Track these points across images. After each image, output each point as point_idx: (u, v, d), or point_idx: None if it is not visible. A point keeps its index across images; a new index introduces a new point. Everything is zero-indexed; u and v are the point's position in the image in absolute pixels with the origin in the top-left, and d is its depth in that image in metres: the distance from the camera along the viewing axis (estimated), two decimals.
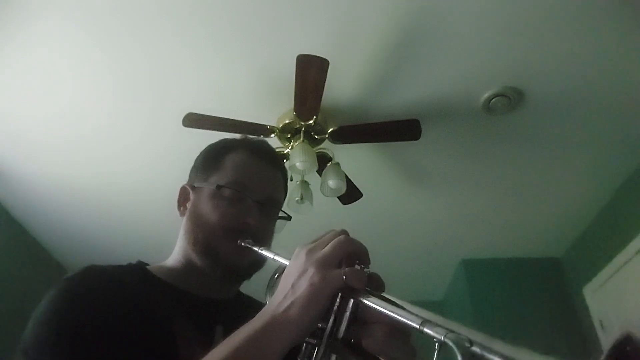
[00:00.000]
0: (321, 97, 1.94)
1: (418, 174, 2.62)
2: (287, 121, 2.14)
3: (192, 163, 0.89)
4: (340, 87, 2.09)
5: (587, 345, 2.82)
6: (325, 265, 0.52)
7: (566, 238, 3.14)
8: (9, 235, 2.99)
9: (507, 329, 2.78)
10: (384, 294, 0.51)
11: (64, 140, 2.40)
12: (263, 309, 0.54)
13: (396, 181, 2.66)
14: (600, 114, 2.20)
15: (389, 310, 0.46)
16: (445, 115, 2.22)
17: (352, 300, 0.51)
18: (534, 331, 2.89)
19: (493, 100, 2.11)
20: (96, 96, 2.16)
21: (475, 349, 0.35)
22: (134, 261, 0.81)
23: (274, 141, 2.14)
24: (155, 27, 1.87)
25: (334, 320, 0.51)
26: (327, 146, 2.25)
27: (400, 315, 0.45)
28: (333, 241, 0.54)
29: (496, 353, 0.34)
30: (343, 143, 2.22)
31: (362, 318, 0.52)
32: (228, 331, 0.54)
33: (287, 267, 0.57)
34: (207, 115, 2.05)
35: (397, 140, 2.25)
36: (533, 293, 3.18)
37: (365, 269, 0.54)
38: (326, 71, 1.83)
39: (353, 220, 2.73)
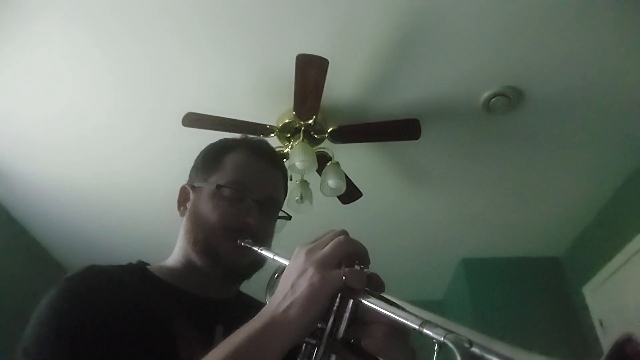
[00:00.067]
0: (321, 97, 1.94)
1: (418, 173, 2.62)
2: (286, 121, 2.14)
3: (192, 163, 0.89)
4: (340, 87, 2.09)
5: (586, 345, 2.82)
6: (325, 265, 0.52)
7: (566, 237, 3.14)
8: (9, 235, 2.99)
9: (506, 328, 2.78)
10: (383, 294, 0.51)
11: (64, 140, 2.40)
12: (263, 309, 0.54)
13: (396, 181, 2.66)
14: (600, 114, 2.20)
15: (389, 311, 0.46)
16: (445, 115, 2.22)
17: (351, 301, 0.51)
18: (533, 330, 2.90)
19: (493, 100, 2.11)
20: (96, 96, 2.16)
21: (474, 349, 0.35)
22: (134, 261, 0.81)
23: (273, 141, 2.14)
24: (155, 27, 1.87)
25: (334, 320, 0.51)
26: (326, 146, 2.25)
27: (400, 316, 0.45)
28: (333, 241, 0.54)
29: (495, 354, 0.34)
30: (343, 143, 2.22)
31: (362, 318, 0.52)
32: (228, 331, 0.54)
33: (287, 267, 0.57)
34: (207, 115, 2.05)
35: (396, 140, 2.25)
36: (533, 292, 3.18)
37: (365, 269, 0.54)
38: (326, 71, 1.83)
39: (353, 219, 2.73)
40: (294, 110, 2.03)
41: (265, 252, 0.72)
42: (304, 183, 2.24)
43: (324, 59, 1.80)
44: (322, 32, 1.87)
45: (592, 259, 2.86)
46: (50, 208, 2.91)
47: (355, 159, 2.45)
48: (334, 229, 0.58)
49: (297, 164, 2.00)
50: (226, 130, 1.99)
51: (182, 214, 0.84)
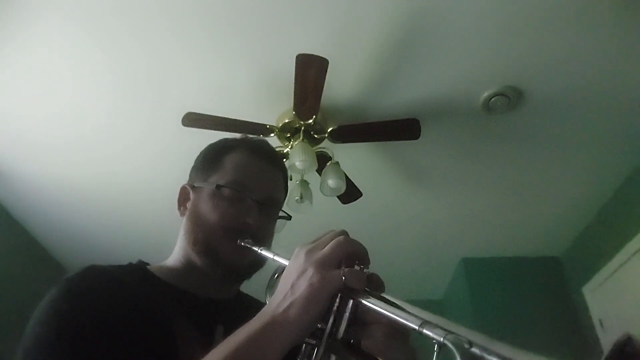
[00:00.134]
0: (321, 97, 1.94)
1: (418, 173, 2.62)
2: (286, 120, 2.14)
3: (192, 163, 0.89)
4: (340, 87, 2.09)
5: (586, 345, 2.82)
6: (325, 265, 0.52)
7: (566, 237, 3.14)
8: (9, 235, 2.99)
9: (506, 327, 2.78)
10: (383, 294, 0.51)
11: (64, 140, 2.40)
12: (263, 309, 0.54)
13: (396, 181, 2.66)
14: (600, 114, 2.20)
15: (388, 311, 0.46)
16: (445, 114, 2.22)
17: (351, 301, 0.51)
18: (533, 330, 2.90)
19: (493, 99, 2.11)
20: (96, 96, 2.16)
21: (474, 350, 0.35)
22: (134, 261, 0.81)
23: (273, 141, 2.14)
24: (155, 27, 1.87)
25: (334, 320, 0.51)
26: (326, 145, 2.25)
27: (400, 316, 0.45)
28: (332, 241, 0.54)
29: (495, 354, 0.34)
30: (343, 142, 2.22)
31: (362, 318, 0.52)
32: (228, 331, 0.54)
33: (287, 267, 0.57)
34: (207, 115, 2.05)
35: (396, 140, 2.25)
36: (533, 292, 3.18)
37: (365, 270, 0.54)
38: (326, 71, 1.83)
39: (353, 219, 2.73)
40: (294, 110, 2.03)
41: (265, 252, 0.72)
42: (304, 183, 2.24)
43: (324, 58, 1.80)
44: (322, 32, 1.87)
45: (592, 258, 2.86)
46: (50, 208, 2.91)
47: (355, 159, 2.45)
48: (333, 229, 0.58)
49: (297, 163, 2.00)
50: (226, 130, 1.99)
51: (182, 214, 0.84)
